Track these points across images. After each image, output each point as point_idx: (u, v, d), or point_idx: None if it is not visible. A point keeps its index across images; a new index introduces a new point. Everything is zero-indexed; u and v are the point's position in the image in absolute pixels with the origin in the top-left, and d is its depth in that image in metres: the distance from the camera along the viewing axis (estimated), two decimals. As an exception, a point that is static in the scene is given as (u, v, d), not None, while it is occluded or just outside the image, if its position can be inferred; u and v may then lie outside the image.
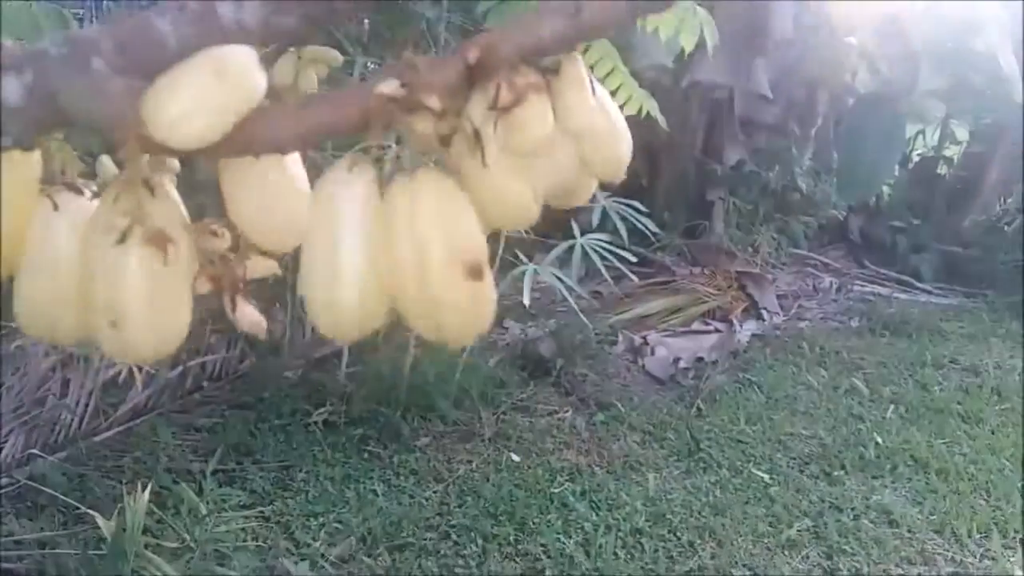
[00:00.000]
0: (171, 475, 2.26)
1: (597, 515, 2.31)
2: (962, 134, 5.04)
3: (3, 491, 2.13)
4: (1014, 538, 2.34)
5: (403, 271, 0.39)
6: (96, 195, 0.42)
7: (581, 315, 3.08)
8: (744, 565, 2.17)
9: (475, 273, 0.39)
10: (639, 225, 2.92)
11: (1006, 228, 4.77)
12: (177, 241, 0.37)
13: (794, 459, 2.69)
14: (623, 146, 0.43)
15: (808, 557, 2.22)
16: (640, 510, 2.34)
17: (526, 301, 2.67)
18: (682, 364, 3.27)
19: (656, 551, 2.20)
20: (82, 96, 0.36)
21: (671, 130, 2.43)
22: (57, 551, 1.97)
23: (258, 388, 2.68)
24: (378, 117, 0.37)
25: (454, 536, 2.19)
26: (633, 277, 3.28)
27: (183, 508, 2.10)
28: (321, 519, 2.21)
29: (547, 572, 2.10)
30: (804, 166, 4.50)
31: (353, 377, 2.72)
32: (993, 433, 2.91)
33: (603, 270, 2.90)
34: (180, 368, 2.56)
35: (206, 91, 0.35)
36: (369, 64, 2.67)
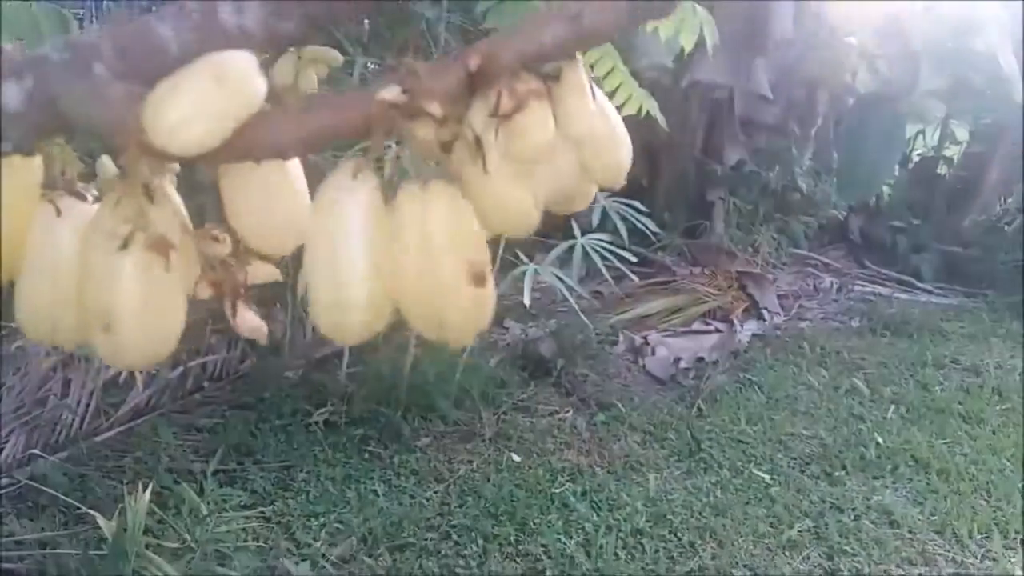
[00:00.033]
0: (172, 475, 2.26)
1: (598, 515, 2.31)
2: (962, 134, 5.04)
3: (4, 491, 2.14)
4: (1015, 539, 2.34)
5: (408, 276, 0.40)
6: (97, 199, 0.42)
7: (582, 315, 3.08)
8: (745, 566, 2.17)
9: (479, 280, 0.39)
10: (639, 225, 2.92)
11: (1006, 228, 4.77)
12: (177, 247, 0.37)
13: (795, 459, 2.69)
14: (623, 152, 0.43)
15: (809, 558, 2.22)
16: (641, 510, 2.34)
17: (527, 301, 2.67)
18: (683, 364, 3.27)
19: (657, 551, 2.20)
20: (83, 101, 0.36)
21: (671, 130, 2.44)
22: (58, 551, 1.97)
23: (259, 388, 2.68)
24: (380, 123, 0.37)
25: (455, 536, 2.19)
26: (633, 277, 3.28)
27: (184, 508, 2.10)
28: (322, 519, 2.21)
29: (548, 572, 2.10)
30: (804, 166, 4.50)
31: (354, 377, 2.72)
32: (994, 433, 2.91)
33: (603, 270, 2.90)
34: (181, 368, 2.56)
35: (206, 97, 0.35)
36: (369, 64, 2.67)
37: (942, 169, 4.97)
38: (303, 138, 0.38)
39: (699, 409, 2.95)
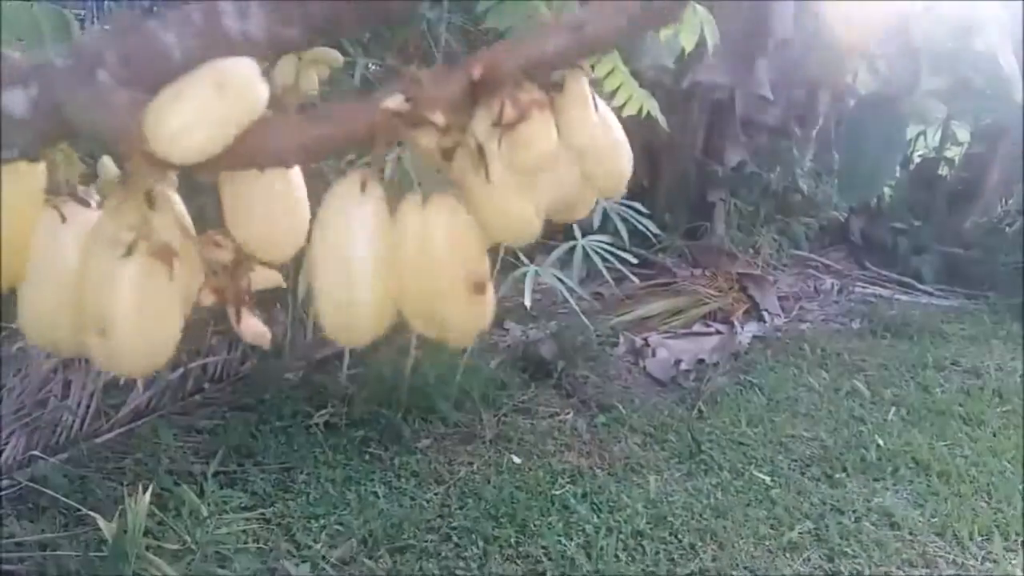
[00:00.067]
0: (172, 477, 2.26)
1: (598, 517, 2.31)
2: (963, 135, 5.04)
3: (4, 493, 2.13)
4: (1016, 540, 2.34)
5: (410, 283, 0.40)
6: (100, 204, 0.42)
7: (582, 317, 3.08)
8: (745, 567, 2.17)
9: (479, 289, 0.40)
10: (640, 226, 2.92)
11: (1007, 229, 4.77)
12: (180, 254, 0.37)
13: (795, 461, 2.69)
14: (624, 161, 0.44)
15: (809, 559, 2.22)
16: (641, 512, 2.34)
17: (527, 303, 2.67)
18: (683, 366, 3.27)
19: (657, 553, 2.19)
20: (87, 108, 0.36)
21: (672, 131, 2.43)
22: (58, 553, 1.97)
23: (259, 390, 2.68)
24: (383, 131, 0.37)
25: (455, 538, 2.19)
26: (634, 279, 3.28)
27: (184, 510, 2.10)
28: (322, 521, 2.21)
29: (548, 574, 2.09)
30: (805, 167, 4.50)
31: (354, 379, 2.72)
32: (995, 435, 2.91)
33: (604, 271, 2.89)
34: (181, 370, 2.56)
35: (207, 104, 0.35)
36: (370, 65, 2.67)
37: (943, 170, 4.97)
38: (305, 146, 0.38)
39: (700, 411, 2.95)
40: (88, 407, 2.36)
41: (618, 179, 0.44)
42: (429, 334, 0.42)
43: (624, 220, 2.88)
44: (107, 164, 0.43)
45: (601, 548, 2.18)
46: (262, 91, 0.37)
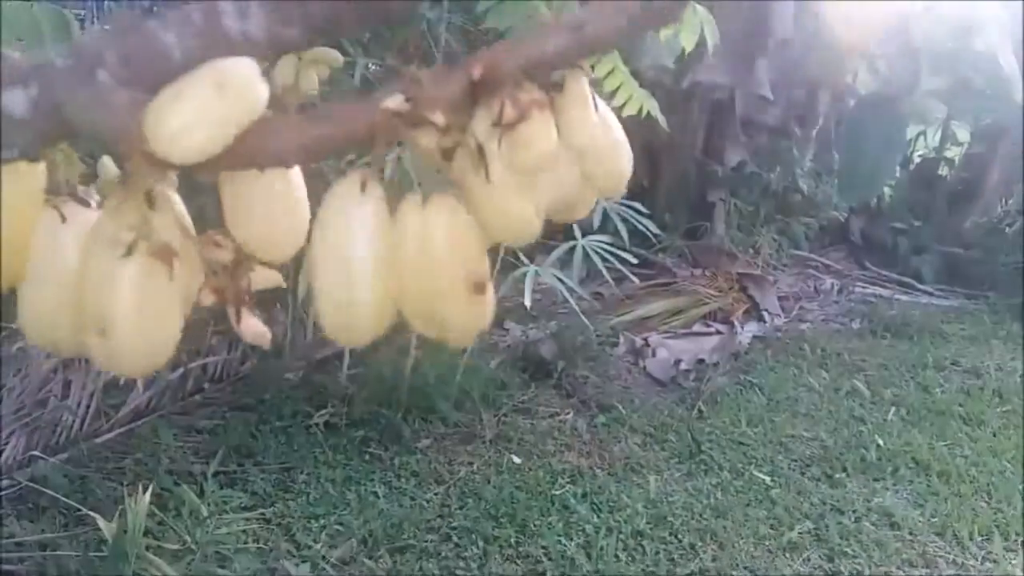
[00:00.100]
0: (172, 477, 2.26)
1: (598, 517, 2.31)
2: (963, 135, 5.04)
3: (4, 493, 2.13)
4: (1016, 540, 2.34)
5: (409, 283, 0.41)
6: (100, 204, 0.42)
7: (582, 317, 3.08)
8: (745, 567, 2.17)
9: (478, 289, 0.40)
10: (640, 226, 2.92)
11: (1007, 230, 4.77)
12: (180, 255, 0.38)
13: (795, 461, 2.69)
14: (624, 161, 0.44)
15: (809, 559, 2.22)
16: (641, 512, 2.34)
17: (527, 303, 2.67)
18: (683, 366, 3.27)
19: (657, 553, 2.19)
20: (87, 108, 0.36)
21: (672, 131, 2.43)
22: (58, 553, 1.97)
23: (259, 390, 2.68)
24: (383, 131, 0.38)
25: (455, 538, 2.19)
26: (634, 279, 3.28)
27: (184, 510, 2.10)
28: (322, 521, 2.21)
29: (548, 574, 2.09)
30: (805, 167, 4.50)
31: (354, 379, 2.72)
32: (995, 435, 2.90)
33: (604, 271, 2.89)
34: (181, 370, 2.56)
35: (207, 104, 0.35)
36: (370, 65, 2.67)
37: (943, 170, 4.97)
38: (306, 146, 0.38)
39: (700, 411, 2.95)
40: (88, 407, 2.36)
41: (618, 179, 0.44)
42: (429, 334, 0.42)
43: (624, 220, 2.88)
44: (107, 164, 0.43)
45: (601, 548, 2.18)
46: (262, 91, 0.37)
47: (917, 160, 5.09)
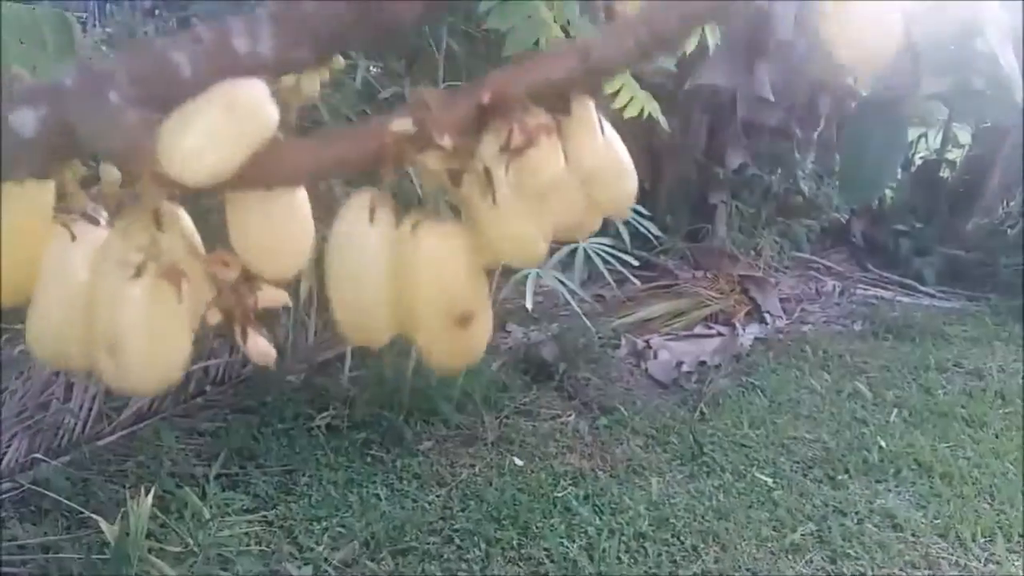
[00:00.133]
0: (174, 479, 2.26)
1: (600, 519, 2.31)
2: (964, 137, 5.04)
3: (6, 495, 2.14)
4: (1018, 542, 2.34)
5: (402, 305, 0.41)
6: (109, 221, 0.42)
7: (584, 319, 3.08)
8: (748, 570, 2.17)
9: (464, 322, 0.40)
10: (641, 229, 2.92)
11: (1008, 231, 4.77)
12: (189, 275, 0.38)
13: (798, 463, 2.69)
14: (630, 184, 0.44)
15: (812, 561, 2.22)
16: (643, 514, 2.34)
17: (529, 305, 2.67)
18: (685, 368, 3.27)
19: (659, 555, 2.19)
20: (97, 128, 0.36)
21: (673, 133, 2.44)
22: (60, 555, 1.98)
23: (261, 392, 2.68)
24: (391, 154, 0.38)
25: (457, 540, 2.19)
26: (636, 281, 3.28)
27: (186, 512, 2.10)
28: (324, 523, 2.21)
29: (550, 577, 2.09)
30: (806, 169, 4.50)
31: (356, 381, 2.72)
32: (997, 437, 2.90)
33: (606, 274, 2.90)
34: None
35: (218, 125, 0.36)
36: (371, 68, 2.68)
37: (944, 172, 4.97)
38: (315, 168, 0.38)
39: (701, 413, 2.95)
40: (90, 410, 2.37)
41: (623, 202, 0.44)
42: (422, 358, 0.44)
43: (625, 222, 2.88)
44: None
45: (603, 550, 2.18)
46: (272, 113, 0.37)
47: (918, 162, 5.09)
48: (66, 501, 2.11)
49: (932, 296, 4.35)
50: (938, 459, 2.72)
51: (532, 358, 3.12)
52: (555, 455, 2.63)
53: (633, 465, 2.61)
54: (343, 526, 2.20)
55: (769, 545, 2.26)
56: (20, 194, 0.39)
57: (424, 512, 2.29)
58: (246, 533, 2.12)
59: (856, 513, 2.42)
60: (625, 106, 1.88)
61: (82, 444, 2.32)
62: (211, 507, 2.16)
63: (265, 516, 2.22)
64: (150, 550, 1.90)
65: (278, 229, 0.40)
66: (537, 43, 1.52)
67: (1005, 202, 4.94)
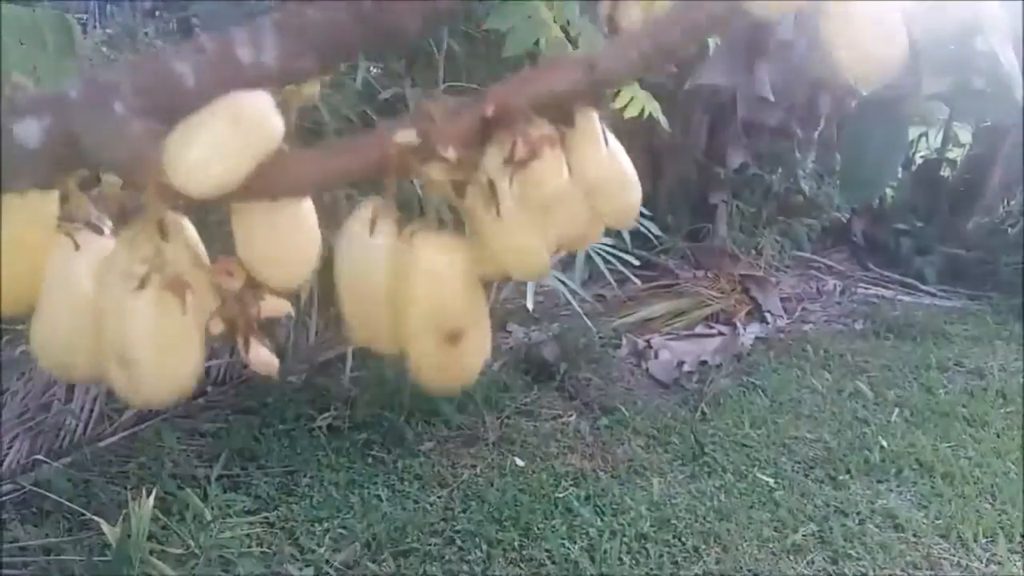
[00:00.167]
0: (176, 481, 2.26)
1: (602, 520, 2.31)
2: (965, 136, 5.04)
3: (8, 497, 2.14)
4: (1020, 542, 2.34)
5: (397, 315, 0.41)
6: (114, 228, 0.42)
7: (585, 319, 3.08)
8: (749, 570, 2.17)
9: (453, 339, 0.40)
10: (642, 228, 2.92)
11: (1009, 230, 4.76)
12: (192, 284, 0.38)
13: (799, 463, 2.69)
14: (634, 196, 0.44)
15: (813, 562, 2.22)
16: (645, 515, 2.34)
17: (529, 305, 2.67)
18: (686, 368, 3.27)
19: (661, 556, 2.19)
20: (102, 139, 0.36)
21: (674, 133, 2.44)
22: (62, 557, 1.98)
23: (262, 393, 2.68)
24: (394, 165, 0.38)
25: (458, 541, 2.19)
26: (636, 280, 3.28)
27: (188, 514, 2.10)
28: (325, 525, 2.21)
29: (552, 577, 2.09)
30: (807, 168, 4.49)
31: (357, 382, 2.72)
32: (999, 436, 2.90)
33: (607, 273, 2.90)
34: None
35: (223, 137, 0.36)
36: (372, 68, 2.68)
37: (945, 171, 4.97)
38: (319, 179, 0.38)
39: (702, 413, 2.94)
40: (91, 411, 2.37)
41: (627, 214, 0.44)
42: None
43: (626, 222, 2.87)
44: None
45: (605, 551, 2.18)
46: (277, 124, 0.37)
47: (919, 161, 5.08)
48: (67, 503, 2.12)
49: (933, 295, 4.35)
50: (940, 459, 2.72)
51: (533, 358, 3.12)
52: (556, 455, 2.63)
53: (634, 465, 2.61)
54: (344, 527, 2.20)
55: (771, 546, 2.26)
56: (24, 204, 0.39)
57: (425, 513, 2.29)
58: (247, 534, 2.12)
59: (858, 513, 2.42)
60: (625, 106, 1.88)
61: (83, 445, 2.32)
62: (212, 508, 2.16)
63: (266, 517, 2.22)
64: (151, 552, 1.90)
65: (284, 239, 0.40)
66: (537, 43, 1.52)
67: (1006, 201, 4.94)
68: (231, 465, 2.40)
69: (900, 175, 4.79)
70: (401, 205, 0.41)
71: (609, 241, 2.85)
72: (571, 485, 2.47)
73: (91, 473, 2.26)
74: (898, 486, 2.59)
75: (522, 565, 2.13)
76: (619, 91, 1.89)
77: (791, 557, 2.22)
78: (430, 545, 2.17)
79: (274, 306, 0.40)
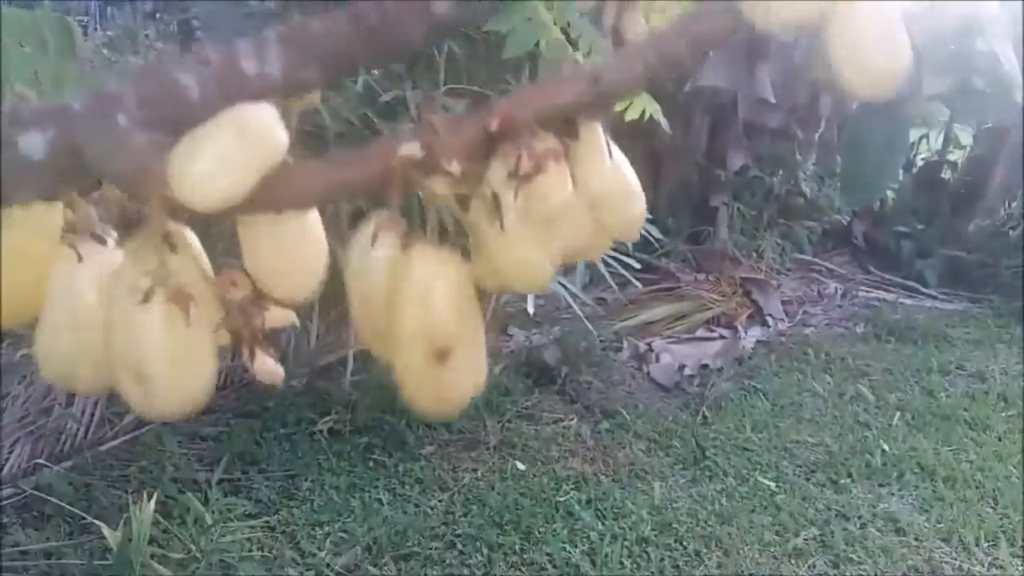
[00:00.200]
0: (177, 484, 2.26)
1: (603, 524, 2.31)
2: (965, 138, 5.03)
3: (9, 501, 2.14)
4: (1022, 546, 2.33)
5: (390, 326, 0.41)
6: (118, 240, 0.42)
7: (586, 322, 3.08)
8: (751, 574, 2.17)
9: (441, 356, 0.39)
10: (643, 232, 2.91)
11: (1010, 233, 4.76)
12: (199, 296, 0.38)
13: (800, 467, 2.68)
14: (639, 208, 0.44)
15: (815, 566, 2.21)
16: (646, 519, 2.33)
17: (530, 309, 2.67)
18: (687, 371, 3.26)
19: (662, 560, 2.19)
20: (106, 151, 0.36)
21: (674, 135, 2.44)
22: (63, 561, 1.98)
23: (263, 397, 2.68)
24: (398, 178, 0.38)
25: (459, 545, 2.19)
26: (637, 284, 3.28)
27: (189, 518, 2.10)
28: (326, 528, 2.21)
29: (553, 582, 2.09)
30: (808, 171, 4.49)
31: (358, 385, 2.72)
32: (1000, 440, 2.90)
33: (607, 277, 2.89)
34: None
35: (229, 150, 0.35)
36: (373, 71, 2.67)
37: (946, 173, 4.97)
38: (324, 191, 0.38)
39: (704, 416, 2.94)
40: (92, 415, 2.37)
41: (632, 226, 0.44)
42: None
43: (627, 225, 2.87)
44: None
45: (606, 555, 2.18)
46: (282, 137, 0.37)
47: (920, 163, 5.08)
48: (68, 507, 2.11)
49: (934, 298, 4.35)
50: (941, 462, 2.71)
51: (534, 362, 3.12)
52: (557, 459, 2.63)
53: (635, 469, 2.60)
54: (345, 531, 2.20)
55: (772, 549, 2.26)
56: (28, 216, 0.39)
57: (426, 517, 2.29)
58: (248, 538, 2.12)
59: (859, 517, 2.42)
60: (626, 108, 1.88)
61: (84, 449, 2.32)
62: (213, 512, 2.16)
63: (267, 521, 2.21)
64: (152, 556, 1.90)
65: (289, 251, 0.40)
66: (537, 45, 1.52)
67: (1007, 203, 4.94)
68: (232, 469, 2.40)
69: (901, 177, 4.79)
70: (407, 216, 0.41)
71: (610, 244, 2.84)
72: (572, 489, 2.47)
73: (92, 477, 2.26)
74: (899, 490, 2.58)
75: (523, 569, 2.13)
76: (620, 95, 1.89)
77: (792, 561, 2.22)
78: (431, 549, 2.16)
79: (278, 317, 0.40)
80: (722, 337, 3.60)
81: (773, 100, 3.88)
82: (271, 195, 0.37)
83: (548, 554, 2.17)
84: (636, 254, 2.94)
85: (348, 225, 0.42)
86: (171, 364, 0.38)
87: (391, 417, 2.63)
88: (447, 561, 2.13)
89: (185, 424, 2.56)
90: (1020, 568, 2.25)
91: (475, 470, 2.53)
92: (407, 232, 0.40)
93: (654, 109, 1.99)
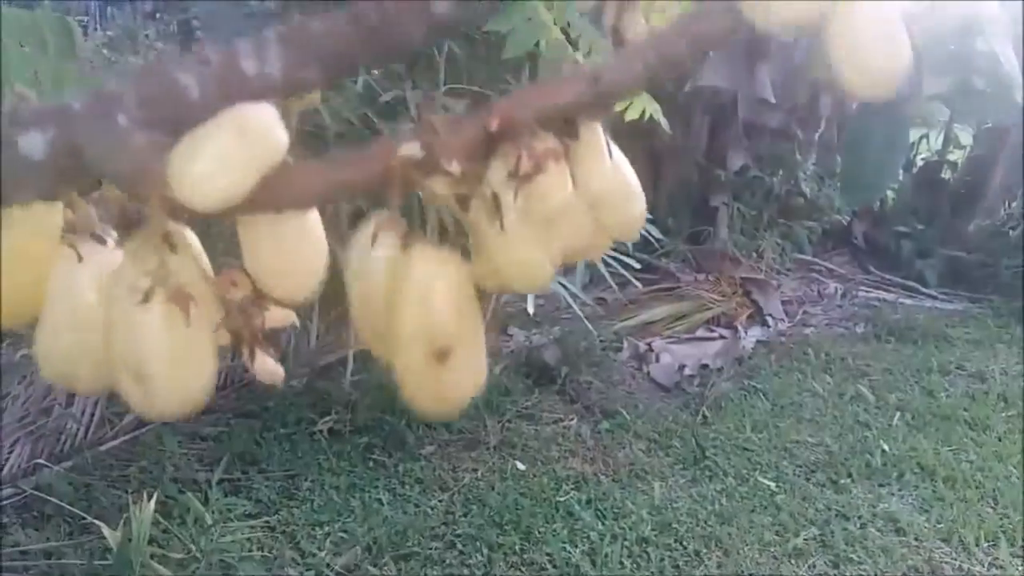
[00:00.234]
0: (177, 484, 2.26)
1: (603, 524, 2.31)
2: (966, 138, 5.03)
3: (9, 501, 2.14)
4: (1022, 546, 2.33)
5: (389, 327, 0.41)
6: (117, 239, 0.42)
7: (586, 322, 3.08)
8: (751, 574, 2.17)
9: (440, 356, 0.39)
10: (643, 232, 2.92)
11: (1010, 233, 4.76)
12: (199, 296, 0.38)
13: (800, 467, 2.68)
14: (639, 208, 0.44)
15: (815, 566, 2.21)
16: (646, 519, 2.33)
17: (530, 309, 2.67)
18: (687, 371, 3.26)
19: (662, 560, 2.19)
20: (106, 151, 0.36)
21: (674, 135, 2.44)
22: (63, 561, 1.98)
23: (263, 397, 2.68)
24: (398, 178, 0.38)
25: (460, 545, 2.19)
26: (637, 284, 3.28)
27: (189, 518, 2.10)
28: (326, 528, 2.21)
29: (553, 582, 2.09)
30: (808, 171, 4.49)
31: (358, 385, 2.72)
32: (1000, 440, 2.90)
33: (607, 277, 2.89)
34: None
35: (229, 150, 0.35)
36: (373, 71, 2.67)
37: (946, 173, 4.97)
38: (324, 191, 0.38)
39: (704, 416, 2.94)
40: (92, 415, 2.37)
41: (632, 226, 0.44)
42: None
43: (627, 225, 2.87)
44: None
45: (606, 555, 2.18)
46: (282, 137, 0.37)
47: (920, 163, 5.08)
48: (68, 507, 2.11)
49: (934, 298, 4.35)
50: (941, 463, 2.71)
51: (534, 362, 3.12)
52: (557, 459, 2.63)
53: (635, 469, 2.60)
54: (345, 531, 2.20)
55: (772, 549, 2.26)
56: (28, 216, 0.39)
57: (426, 517, 2.29)
58: (248, 538, 2.12)
59: (859, 517, 2.42)
60: (626, 108, 1.88)
61: (84, 449, 2.32)
62: (213, 512, 2.16)
63: (267, 521, 2.21)
64: (152, 556, 1.90)
65: (289, 251, 0.40)
66: (537, 44, 1.52)
67: (1007, 203, 4.94)
68: (232, 469, 2.40)
69: (901, 177, 4.79)
70: (408, 216, 0.41)
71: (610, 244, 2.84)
72: (572, 489, 2.47)
73: (92, 477, 2.26)
74: (899, 490, 2.58)
75: (523, 569, 2.13)
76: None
77: (792, 561, 2.22)
78: (431, 549, 2.16)
79: (278, 317, 0.40)
80: (722, 337, 3.60)
81: (773, 100, 3.87)
82: (271, 195, 0.37)
83: (548, 554, 2.17)
84: (636, 254, 2.94)
85: (348, 225, 0.42)
86: (171, 364, 0.38)
87: (391, 417, 2.63)
88: (447, 561, 2.13)
89: (185, 424, 2.55)
90: (1020, 568, 2.25)
91: (475, 470, 2.53)
92: (407, 232, 0.40)
93: (654, 109, 1.99)
